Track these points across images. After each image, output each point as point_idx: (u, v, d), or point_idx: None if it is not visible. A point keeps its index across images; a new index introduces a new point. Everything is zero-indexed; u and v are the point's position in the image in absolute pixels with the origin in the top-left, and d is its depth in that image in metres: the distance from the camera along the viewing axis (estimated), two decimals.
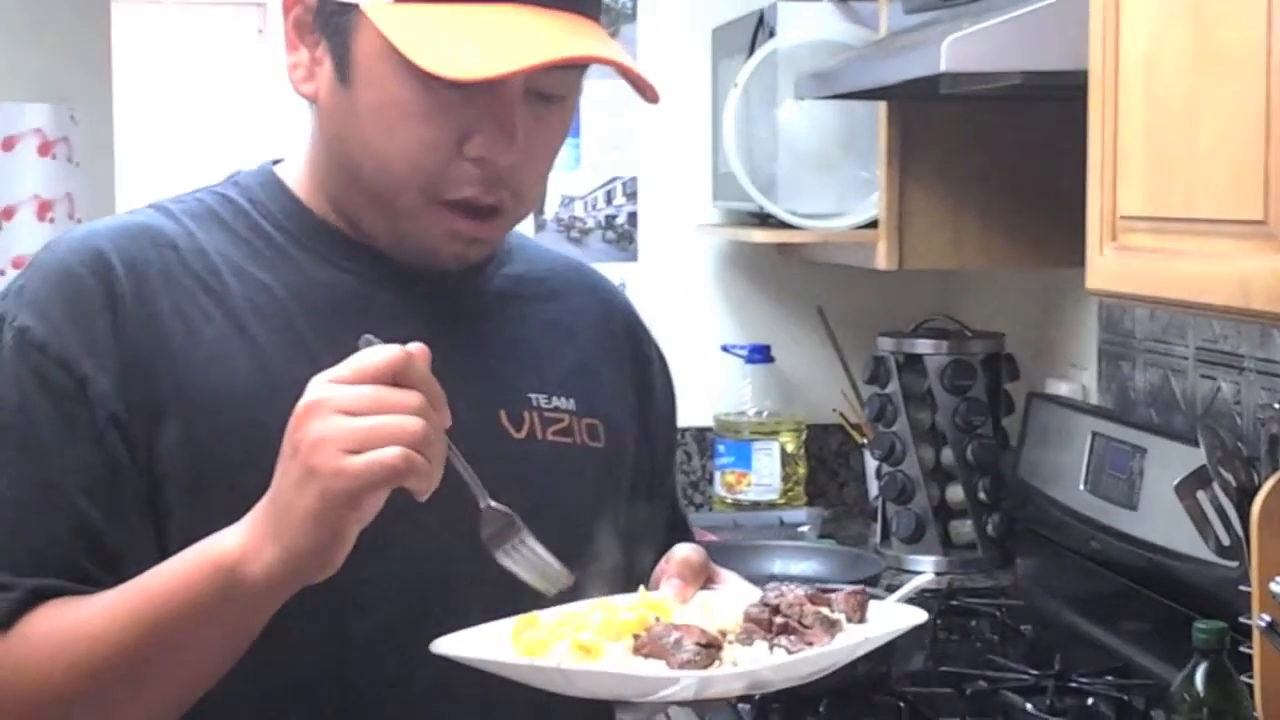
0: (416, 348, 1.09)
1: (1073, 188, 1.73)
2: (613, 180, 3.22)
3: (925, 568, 2.66)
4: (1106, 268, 1.63)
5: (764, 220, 2.87)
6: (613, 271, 1.51)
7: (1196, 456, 1.85)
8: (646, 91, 1.22)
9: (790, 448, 3.14)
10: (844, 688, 1.95)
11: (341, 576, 1.09)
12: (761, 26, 2.80)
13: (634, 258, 3.20)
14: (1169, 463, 2.11)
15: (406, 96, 1.19)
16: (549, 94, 1.23)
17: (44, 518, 1.17)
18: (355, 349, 1.12)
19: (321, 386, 1.08)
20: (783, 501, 3.11)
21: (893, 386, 2.75)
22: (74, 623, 1.14)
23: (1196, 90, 1.45)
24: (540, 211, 3.18)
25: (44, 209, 4.22)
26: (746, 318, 3.25)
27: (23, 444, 1.17)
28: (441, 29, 1.17)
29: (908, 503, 2.73)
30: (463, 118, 1.20)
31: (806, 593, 1.16)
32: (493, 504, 1.13)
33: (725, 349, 3.20)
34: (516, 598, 1.15)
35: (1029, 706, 1.96)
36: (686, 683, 1.06)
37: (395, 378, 1.07)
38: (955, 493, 2.73)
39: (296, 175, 1.31)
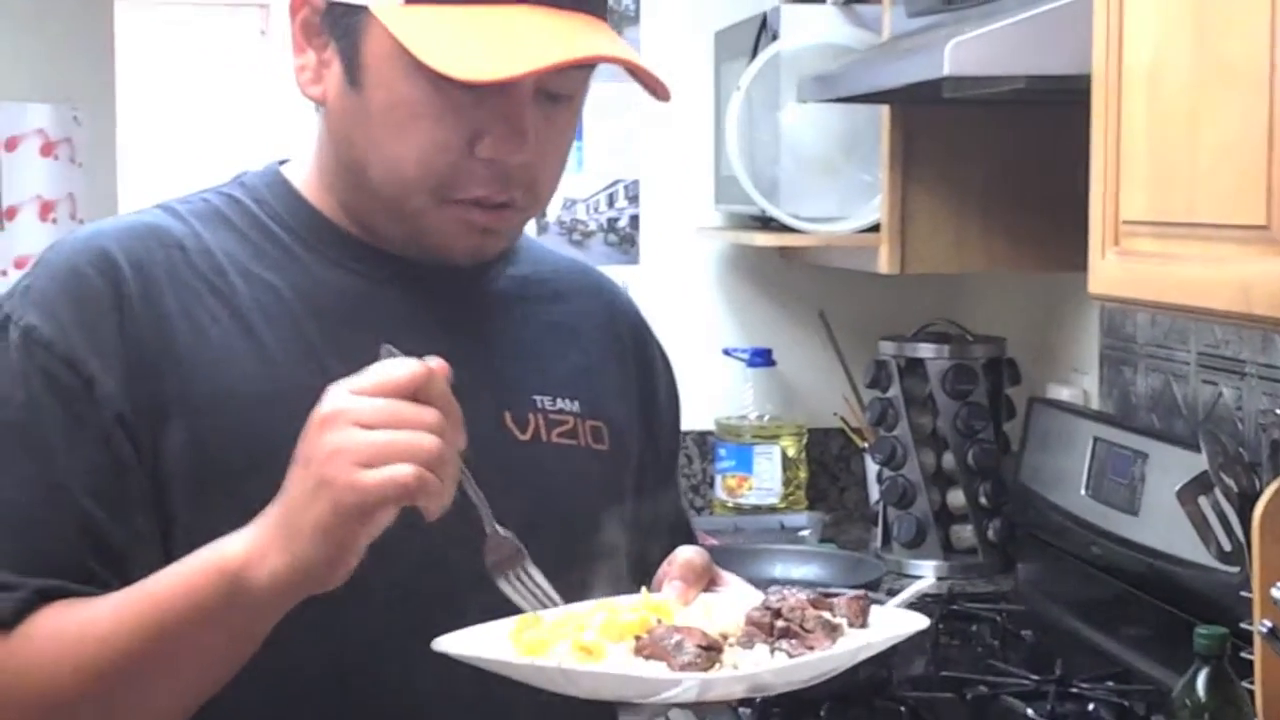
0: (437, 363, 1.08)
1: (1075, 192, 1.73)
2: (615, 183, 3.22)
3: (926, 572, 2.65)
4: (1109, 272, 1.63)
5: (766, 223, 2.87)
6: (614, 274, 1.51)
7: (1198, 462, 1.85)
8: (658, 90, 1.22)
9: (791, 451, 3.13)
10: (845, 692, 1.95)
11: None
12: (764, 29, 2.80)
13: (635, 260, 3.21)
14: (1170, 468, 2.11)
15: (417, 97, 1.19)
16: (558, 94, 1.23)
17: (50, 518, 1.16)
18: (361, 350, 1.12)
19: (340, 397, 1.07)
20: (783, 505, 3.11)
21: (894, 391, 2.75)
22: (81, 624, 1.13)
23: (1199, 94, 1.45)
24: (542, 214, 3.18)
25: (46, 209, 4.22)
26: (748, 321, 3.25)
27: (29, 443, 1.17)
28: (452, 30, 1.17)
29: (909, 507, 2.73)
30: (473, 118, 1.20)
31: (808, 597, 1.16)
32: (500, 530, 1.13)
33: (726, 352, 3.20)
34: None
35: (1030, 712, 1.95)
36: (688, 685, 1.06)
37: (415, 393, 1.06)
38: (956, 497, 2.73)
39: (303, 176, 1.31)
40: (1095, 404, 2.59)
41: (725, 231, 3.15)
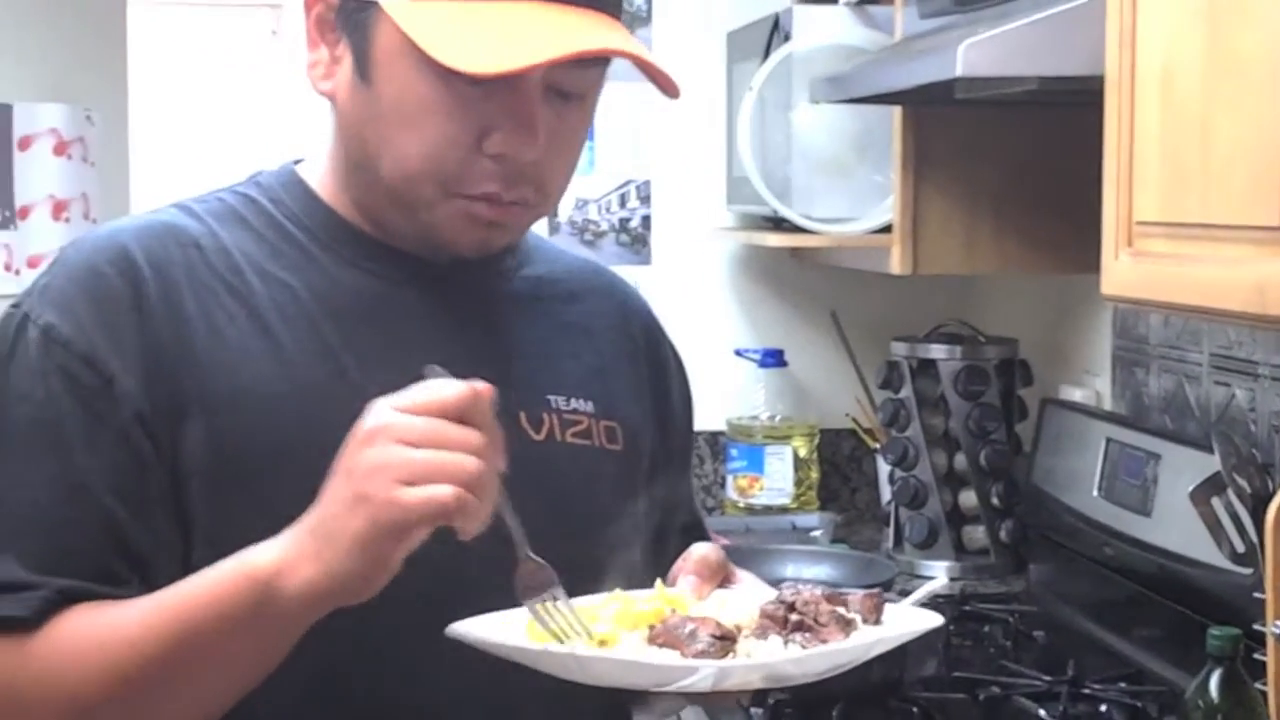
0: (484, 387, 1.09)
1: (1087, 193, 1.72)
2: (627, 183, 3.22)
3: (938, 573, 2.65)
4: (1122, 273, 1.63)
5: (778, 224, 2.87)
6: (626, 275, 1.51)
7: (1211, 463, 1.85)
8: (667, 86, 1.22)
9: (803, 452, 3.13)
10: (857, 693, 1.95)
11: None
12: (776, 30, 2.80)
13: (647, 261, 3.21)
14: (1183, 469, 2.11)
15: (426, 93, 1.20)
16: (569, 91, 1.23)
17: (71, 516, 1.16)
18: (377, 350, 1.12)
19: (385, 413, 1.08)
20: (795, 506, 3.11)
21: (906, 391, 2.75)
22: (108, 628, 1.13)
23: (1213, 96, 1.45)
24: (554, 214, 3.18)
25: (59, 209, 4.23)
26: (760, 321, 3.25)
27: (49, 442, 1.17)
28: (461, 25, 1.17)
29: (920, 508, 2.73)
30: (483, 114, 1.20)
31: (823, 592, 1.16)
32: (532, 556, 1.13)
33: (738, 353, 3.20)
34: None
35: (1042, 713, 1.95)
36: (705, 673, 1.05)
37: (459, 415, 1.07)
38: (968, 498, 2.73)
39: (318, 175, 1.32)
40: (1108, 405, 2.58)
41: (737, 232, 3.15)
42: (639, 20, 3.13)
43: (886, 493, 2.93)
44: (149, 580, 1.17)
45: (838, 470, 3.26)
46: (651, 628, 1.12)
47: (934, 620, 1.19)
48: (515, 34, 1.17)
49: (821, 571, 2.61)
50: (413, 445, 1.05)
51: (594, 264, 1.50)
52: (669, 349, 1.47)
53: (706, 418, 2.85)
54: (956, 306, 3.01)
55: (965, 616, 2.38)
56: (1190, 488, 1.86)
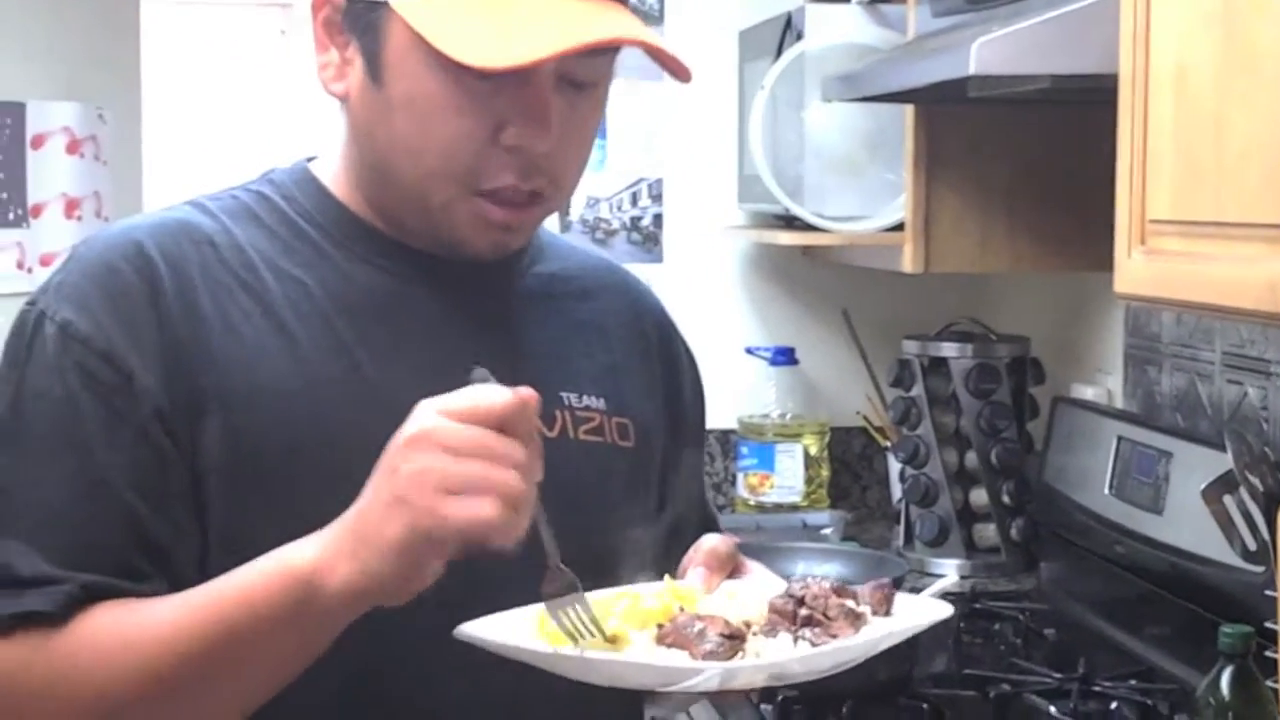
0: (529, 394, 1.08)
1: (1100, 192, 1.73)
2: (638, 182, 3.23)
3: (949, 571, 2.65)
4: (1135, 272, 1.63)
5: (789, 222, 2.87)
6: (637, 273, 1.51)
7: (1223, 461, 1.85)
8: (679, 72, 1.21)
9: (813, 450, 3.14)
10: (867, 689, 1.95)
11: None
12: (789, 29, 2.80)
13: (659, 259, 3.21)
14: (1194, 467, 2.11)
15: (438, 89, 1.20)
16: (580, 81, 1.23)
17: (93, 512, 1.16)
18: (390, 347, 1.12)
19: (431, 416, 1.07)
20: (805, 504, 3.11)
21: (917, 389, 2.75)
22: (137, 626, 1.13)
23: (1227, 94, 1.45)
24: (566, 213, 3.19)
25: (71, 207, 4.24)
26: (771, 320, 3.25)
27: (69, 439, 1.17)
28: (470, 19, 1.17)
29: (931, 506, 2.73)
30: (495, 108, 1.20)
31: (832, 585, 1.16)
32: (561, 565, 1.13)
33: (749, 351, 3.20)
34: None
35: (1053, 710, 1.95)
36: (711, 674, 1.06)
37: (505, 424, 1.06)
38: (979, 496, 2.73)
39: (331, 172, 1.32)
40: (1119, 403, 2.58)
41: (748, 230, 3.15)
42: (651, 19, 3.13)
43: (897, 490, 2.93)
44: (170, 576, 1.17)
45: (848, 468, 3.26)
46: (660, 626, 1.12)
47: (944, 611, 1.19)
48: (525, 26, 1.17)
49: (832, 569, 2.60)
50: (457, 454, 1.05)
51: (607, 261, 1.50)
52: (681, 346, 1.47)
53: (717, 416, 2.85)
54: (968, 305, 3.01)
55: (976, 614, 2.39)
56: (1202, 486, 1.86)
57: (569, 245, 1.48)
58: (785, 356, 3.18)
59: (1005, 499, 2.69)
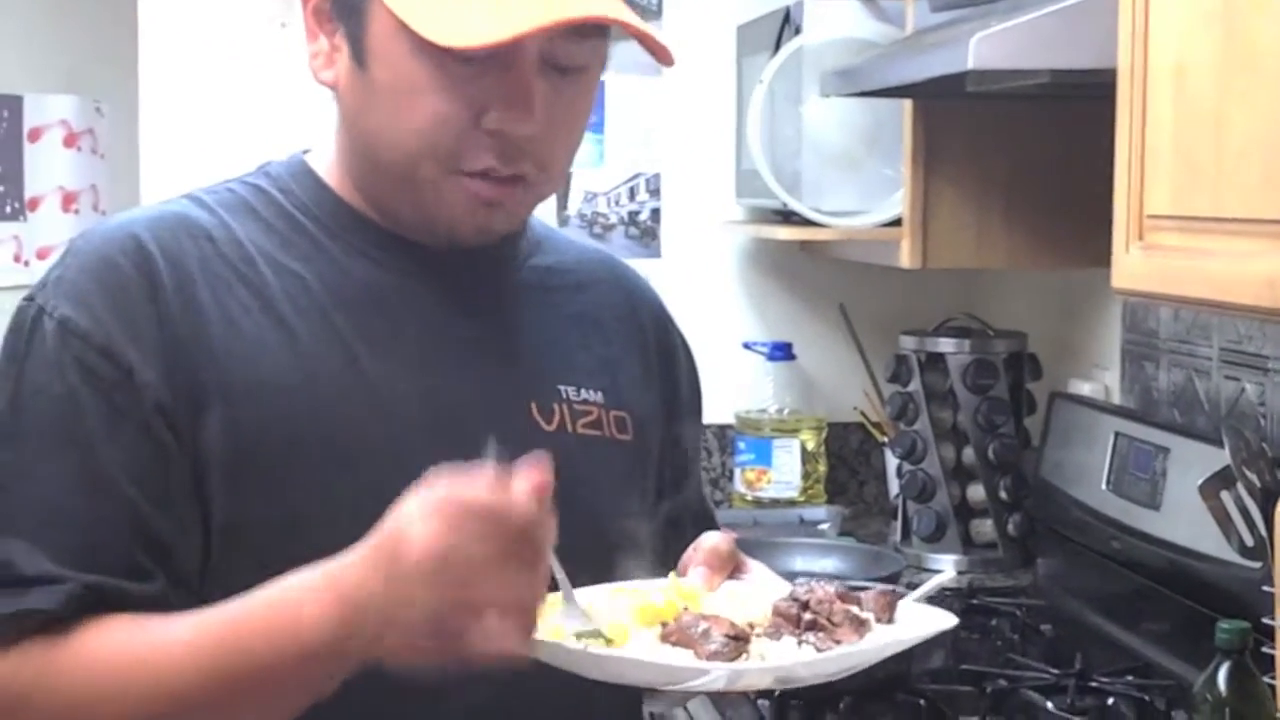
0: (543, 480, 1.05)
1: (1098, 187, 1.72)
2: (636, 176, 3.22)
3: (946, 566, 2.65)
4: (1133, 267, 1.63)
5: (787, 217, 2.87)
6: (635, 268, 1.51)
7: (1220, 457, 1.85)
8: (661, 55, 1.21)
9: (811, 445, 3.13)
10: (864, 686, 1.95)
11: None
12: (787, 23, 2.80)
13: (657, 254, 3.21)
14: (1192, 463, 2.11)
15: (420, 73, 1.19)
16: (565, 65, 1.22)
17: (95, 509, 1.16)
18: (388, 339, 1.11)
19: (449, 532, 1.02)
20: (803, 499, 3.11)
21: (914, 385, 2.75)
22: (147, 646, 1.12)
23: (1226, 89, 1.45)
24: (563, 207, 3.19)
25: (69, 200, 4.24)
26: (768, 315, 3.25)
27: (70, 435, 1.17)
28: (449, 2, 1.17)
29: (928, 501, 2.73)
30: (478, 92, 1.20)
31: (836, 590, 1.15)
32: (574, 600, 1.14)
33: (747, 346, 3.20)
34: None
35: (1050, 705, 1.95)
36: (717, 674, 1.06)
37: (524, 532, 1.04)
38: (976, 492, 2.73)
39: (327, 165, 1.32)
40: (1117, 399, 2.58)
41: (746, 225, 3.15)
42: (649, 14, 3.13)
43: (894, 486, 2.93)
44: (172, 573, 1.17)
45: (845, 463, 3.26)
46: (664, 625, 1.11)
47: (948, 621, 1.19)
48: (504, 8, 1.16)
49: (829, 565, 2.61)
50: (482, 581, 1.02)
51: (602, 253, 1.49)
52: (678, 338, 1.47)
53: (715, 411, 2.86)
54: (965, 300, 3.01)
55: (973, 610, 2.38)
56: (1199, 481, 1.86)
57: (565, 238, 1.47)
58: (783, 352, 3.18)
59: (1002, 494, 2.69)
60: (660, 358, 1.43)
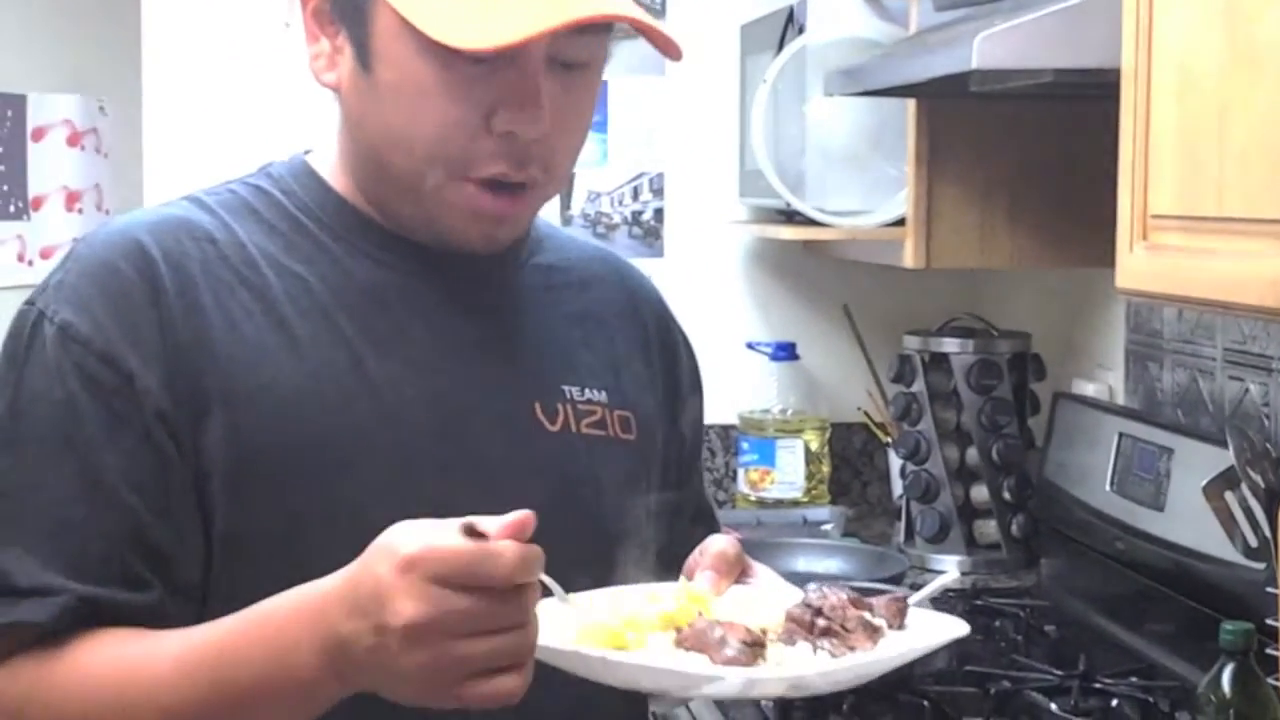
0: (525, 516, 1.00)
1: (1102, 187, 1.72)
2: (639, 176, 3.22)
3: (949, 567, 2.65)
4: (1137, 267, 1.63)
5: (791, 217, 2.86)
6: (638, 268, 1.51)
7: (1224, 458, 1.85)
8: (669, 49, 1.20)
9: (814, 446, 3.13)
10: (867, 686, 1.94)
11: None
12: (791, 23, 2.80)
13: (660, 254, 3.20)
14: (1196, 464, 2.11)
15: (426, 75, 1.18)
16: (571, 61, 1.21)
17: (94, 517, 1.15)
18: (391, 341, 1.10)
19: (430, 596, 0.98)
20: (806, 499, 3.11)
21: (918, 385, 2.75)
22: (142, 662, 1.12)
23: (1230, 88, 1.44)
24: (567, 207, 3.19)
25: (72, 200, 4.24)
26: (772, 315, 3.25)
27: (69, 442, 1.16)
28: (456, 2, 1.16)
29: (932, 502, 2.73)
30: (486, 92, 1.19)
31: (848, 596, 1.15)
32: (567, 599, 1.13)
33: (750, 346, 3.20)
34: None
35: (1053, 706, 1.95)
36: (733, 680, 1.05)
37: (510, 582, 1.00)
38: (980, 492, 2.72)
39: (329, 165, 1.31)
40: (1120, 399, 2.58)
41: (750, 225, 3.14)
42: (654, 13, 3.13)
43: (898, 487, 2.93)
44: (171, 583, 1.16)
45: (849, 464, 3.25)
46: (679, 630, 1.10)
47: (961, 629, 1.18)
48: (510, 7, 1.15)
49: (833, 565, 2.61)
50: (469, 637, 0.99)
51: (604, 251, 1.49)
52: (679, 335, 1.46)
53: (718, 411, 2.86)
54: (969, 300, 3.00)
55: (976, 611, 2.38)
56: (1203, 482, 1.86)
57: (567, 236, 1.47)
58: (786, 352, 3.18)
59: (1006, 495, 2.69)
60: (662, 355, 1.42)
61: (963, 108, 2.46)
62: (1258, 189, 1.41)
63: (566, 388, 1.30)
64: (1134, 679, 2.03)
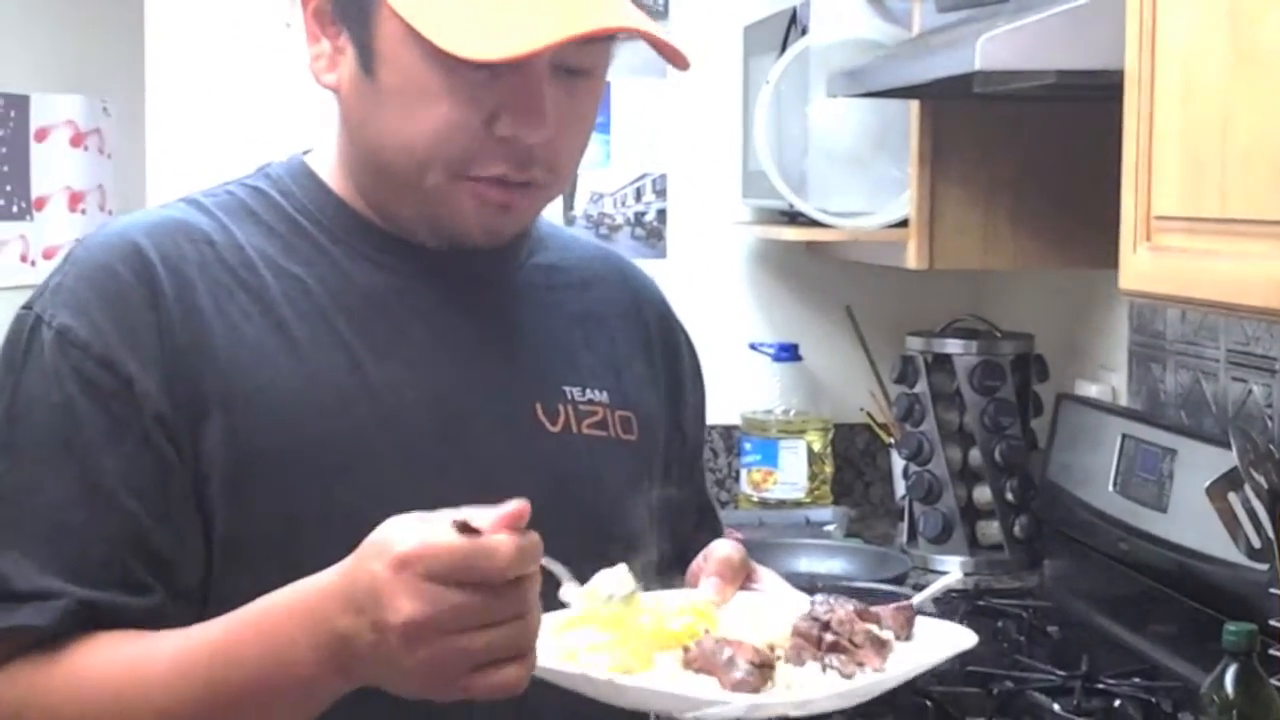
0: (520, 506, 0.99)
1: (1104, 188, 1.72)
2: (642, 177, 3.22)
3: (952, 568, 2.65)
4: (1140, 268, 1.63)
5: (794, 218, 2.86)
6: (641, 268, 1.50)
7: (1227, 459, 1.85)
8: (676, 59, 1.20)
9: (817, 446, 3.13)
10: None
11: None
12: (794, 24, 2.80)
13: (663, 255, 3.21)
14: (1199, 465, 2.11)
15: (430, 80, 1.18)
16: (576, 68, 1.21)
17: (93, 521, 1.14)
18: (390, 343, 1.09)
19: (425, 593, 0.98)
20: (809, 500, 3.11)
21: (921, 386, 2.75)
22: (139, 664, 1.11)
23: (1233, 90, 1.44)
24: (570, 208, 3.19)
25: (75, 200, 4.24)
26: (775, 316, 3.25)
27: (68, 446, 1.15)
28: (461, 7, 1.16)
29: (935, 503, 2.73)
30: (489, 98, 1.18)
31: (855, 608, 1.14)
32: (574, 584, 1.12)
33: (753, 347, 3.20)
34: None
35: (1056, 707, 1.95)
36: (736, 705, 1.04)
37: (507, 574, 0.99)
38: (983, 493, 2.72)
39: (328, 166, 1.30)
40: (1124, 401, 2.58)
41: (753, 226, 3.14)
42: (656, 14, 3.13)
43: (901, 487, 2.93)
44: (171, 587, 1.16)
45: (852, 465, 3.25)
46: (686, 650, 1.09)
47: (969, 639, 1.18)
48: (519, 15, 1.15)
49: (836, 566, 2.61)
50: (468, 632, 0.99)
51: (605, 250, 1.48)
52: (681, 334, 1.46)
53: (721, 411, 2.86)
54: (972, 301, 3.00)
55: (979, 611, 2.38)
56: (1207, 483, 1.86)
57: (569, 235, 1.46)
58: (789, 353, 3.18)
59: (1009, 496, 2.69)
60: (664, 354, 1.42)
61: (966, 109, 2.46)
62: (1261, 190, 1.41)
63: (567, 388, 1.30)
64: (1137, 680, 2.03)
